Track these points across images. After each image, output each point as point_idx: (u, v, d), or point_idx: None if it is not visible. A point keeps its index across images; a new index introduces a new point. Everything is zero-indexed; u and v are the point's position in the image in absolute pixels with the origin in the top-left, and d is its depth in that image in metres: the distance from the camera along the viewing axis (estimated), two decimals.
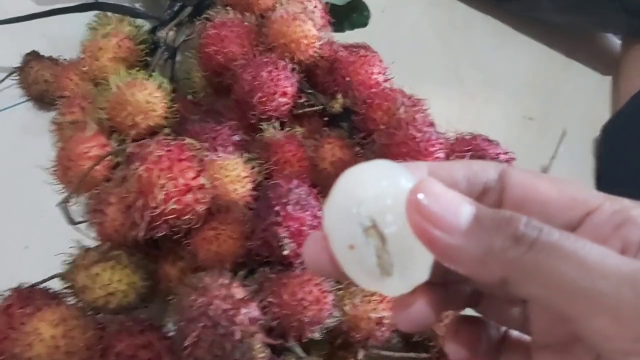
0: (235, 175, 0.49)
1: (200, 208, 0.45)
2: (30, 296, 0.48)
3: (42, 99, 0.68)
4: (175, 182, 0.43)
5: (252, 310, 0.40)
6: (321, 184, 0.54)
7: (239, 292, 0.41)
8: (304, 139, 0.56)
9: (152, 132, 0.53)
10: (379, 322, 0.46)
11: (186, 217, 0.44)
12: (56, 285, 0.50)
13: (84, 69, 0.59)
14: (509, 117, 0.70)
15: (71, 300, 0.49)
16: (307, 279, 0.44)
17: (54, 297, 0.49)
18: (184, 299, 0.41)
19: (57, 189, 0.53)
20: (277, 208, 0.44)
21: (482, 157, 0.52)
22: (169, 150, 0.43)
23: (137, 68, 0.56)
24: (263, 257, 0.45)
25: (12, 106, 0.70)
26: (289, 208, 0.44)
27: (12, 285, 0.48)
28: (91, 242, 0.51)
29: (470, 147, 0.52)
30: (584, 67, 0.75)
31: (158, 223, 0.43)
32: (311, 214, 0.44)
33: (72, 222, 0.50)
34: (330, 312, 0.44)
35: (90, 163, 0.50)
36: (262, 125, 0.55)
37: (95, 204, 0.49)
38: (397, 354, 0.50)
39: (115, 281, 0.47)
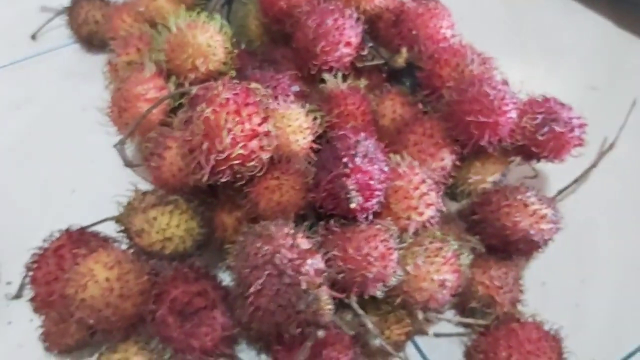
0: (297, 125, 0.47)
1: (265, 155, 0.43)
2: (81, 238, 0.48)
3: (91, 40, 0.66)
4: (242, 127, 0.41)
5: (317, 262, 0.39)
6: (384, 141, 0.52)
7: (304, 243, 0.40)
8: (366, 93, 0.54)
9: (211, 77, 0.52)
10: (442, 284, 0.44)
11: (251, 163, 0.43)
12: (106, 229, 0.49)
13: (141, 9, 0.57)
14: (572, 87, 0.68)
15: (123, 244, 0.48)
16: (373, 234, 0.42)
17: (106, 241, 0.49)
18: (247, 246, 0.40)
19: (106, 132, 0.52)
20: (345, 159, 0.42)
21: (554, 120, 0.49)
22: (236, 94, 0.42)
23: (197, 10, 0.53)
24: (327, 210, 0.44)
25: (60, 48, 0.68)
26: (357, 160, 0.42)
27: (60, 228, 0.48)
28: (144, 187, 0.50)
29: (543, 110, 0.50)
30: None
31: (222, 168, 0.42)
32: (379, 168, 0.43)
33: (129, 165, 0.48)
34: (395, 271, 0.43)
35: (147, 105, 0.49)
36: (324, 75, 0.53)
37: (153, 147, 0.48)
38: (455, 319, 0.49)
39: (173, 226, 0.46)
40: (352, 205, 0.41)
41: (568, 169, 0.55)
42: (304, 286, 0.38)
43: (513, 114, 0.47)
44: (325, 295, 0.38)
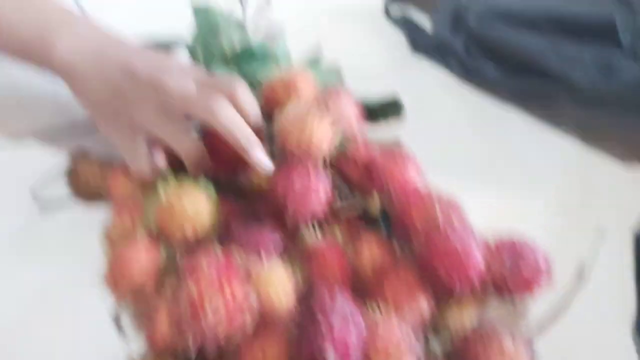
0: (280, 286, 0.50)
1: (249, 324, 0.46)
2: None
3: (89, 197, 0.70)
4: (224, 299, 0.44)
5: None
6: (361, 288, 0.55)
7: None
8: (343, 242, 0.58)
9: (200, 239, 0.55)
10: None
11: (235, 334, 0.45)
12: None
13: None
14: (547, 211, 0.71)
15: None
16: None
17: None
18: None
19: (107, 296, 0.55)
20: (322, 325, 0.44)
21: (521, 260, 0.52)
22: (219, 266, 0.45)
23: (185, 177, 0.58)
24: None
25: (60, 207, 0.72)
26: (335, 324, 0.45)
27: None
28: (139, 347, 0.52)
29: (510, 252, 0.53)
30: (617, 162, 0.75)
31: (205, 339, 0.44)
32: (357, 331, 0.45)
33: (124, 334, 0.51)
34: None
35: (140, 274, 0.52)
36: (302, 232, 0.57)
37: (145, 313, 0.51)
38: None
39: None
40: None
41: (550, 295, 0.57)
42: None
43: (481, 262, 0.50)
44: None
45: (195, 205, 0.55)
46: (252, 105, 0.58)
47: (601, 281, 0.62)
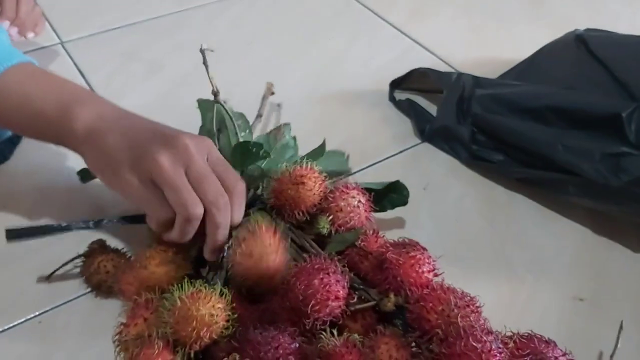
0: None
1: None
2: None
3: (100, 287, 0.70)
4: None
5: None
6: None
7: None
8: (360, 342, 0.57)
9: (214, 341, 0.55)
10: None
11: None
12: None
13: (138, 276, 0.62)
14: (559, 298, 0.70)
15: None
16: None
17: None
18: None
19: None
20: None
21: (541, 359, 0.52)
22: None
23: (199, 280, 0.58)
24: None
25: (75, 298, 0.71)
26: None
27: None
28: None
29: (529, 351, 0.53)
30: (628, 250, 0.76)
31: None
32: None
33: None
34: None
35: None
36: (320, 335, 0.56)
37: None
38: None
39: None
40: None
41: None
42: None
43: None
44: None
45: (211, 309, 0.55)
46: (241, 211, 0.63)
47: None
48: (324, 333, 0.56)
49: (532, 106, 0.85)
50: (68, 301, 0.70)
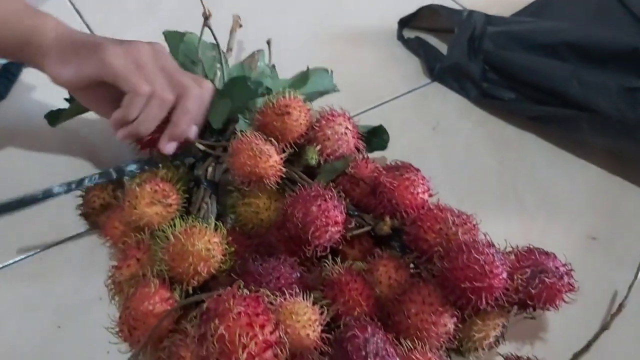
0: (306, 319, 0.48)
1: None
2: None
3: (95, 225, 0.69)
4: (256, 340, 0.42)
5: None
6: (380, 310, 0.54)
7: None
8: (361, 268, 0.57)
9: (213, 276, 0.54)
10: None
11: None
12: None
13: (126, 216, 0.60)
14: (572, 237, 0.70)
15: None
16: None
17: None
18: None
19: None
20: None
21: (542, 271, 0.53)
22: (247, 305, 0.44)
23: (192, 216, 0.56)
24: None
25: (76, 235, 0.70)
26: None
27: None
28: None
29: (530, 263, 0.53)
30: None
31: None
32: None
33: None
34: None
35: (156, 320, 0.50)
36: (323, 263, 0.56)
37: (167, 357, 0.49)
38: None
39: None
40: None
41: (584, 329, 0.58)
42: None
43: (504, 274, 0.50)
44: None
45: (207, 243, 0.53)
46: (189, 116, 0.63)
47: (635, 317, 0.62)
48: (327, 261, 0.56)
49: (547, 42, 0.82)
50: (69, 238, 0.69)
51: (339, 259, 0.57)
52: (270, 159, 0.60)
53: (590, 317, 0.60)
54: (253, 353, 0.42)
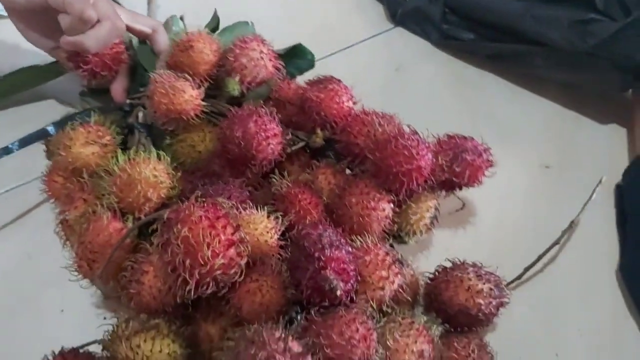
0: (263, 227, 0.52)
1: (243, 261, 0.47)
2: None
3: None
4: (219, 239, 0.45)
5: None
6: (330, 215, 0.59)
7: (295, 346, 0.43)
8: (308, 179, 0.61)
9: (163, 203, 0.56)
10: (420, 354, 0.49)
11: (232, 271, 0.46)
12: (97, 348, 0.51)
13: (63, 162, 0.60)
14: (526, 167, 0.74)
15: None
16: (352, 318, 0.46)
17: None
18: (241, 352, 0.42)
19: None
20: (317, 254, 0.47)
21: (463, 151, 0.59)
22: (207, 210, 0.46)
23: (133, 148, 0.58)
24: (314, 304, 0.48)
25: None
26: (327, 251, 0.47)
27: (50, 348, 0.50)
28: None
29: (451, 146, 0.59)
30: (594, 122, 0.80)
31: (206, 280, 0.45)
32: (346, 251, 0.48)
33: (108, 296, 0.52)
34: (376, 349, 0.47)
35: (111, 246, 0.52)
36: (271, 178, 0.60)
37: (130, 275, 0.51)
38: None
39: (156, 352, 0.48)
40: (338, 293, 0.46)
41: (535, 247, 0.63)
42: None
43: (429, 155, 0.56)
44: None
45: (153, 170, 0.55)
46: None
47: (585, 234, 0.67)
48: (274, 176, 0.59)
49: None
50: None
51: (286, 174, 0.60)
52: (185, 94, 0.61)
53: (543, 239, 0.64)
54: (217, 251, 0.45)
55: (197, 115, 0.61)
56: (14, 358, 0.54)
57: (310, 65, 0.77)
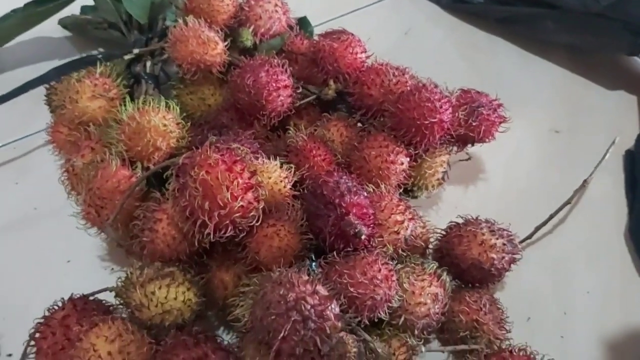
0: (277, 176, 0.51)
1: (260, 205, 0.46)
2: (86, 307, 0.48)
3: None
4: (237, 181, 0.44)
5: (335, 307, 0.41)
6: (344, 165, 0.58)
7: (323, 289, 0.42)
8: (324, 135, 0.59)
9: (172, 154, 0.54)
10: (435, 297, 0.49)
11: (250, 214, 0.45)
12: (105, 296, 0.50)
13: (69, 115, 0.58)
14: (536, 132, 0.74)
15: (124, 314, 0.49)
16: (374, 259, 0.46)
17: (108, 311, 0.50)
18: (268, 293, 0.42)
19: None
20: (337, 201, 0.46)
21: (479, 106, 0.58)
22: (223, 154, 0.45)
23: (142, 97, 0.56)
24: (338, 249, 0.47)
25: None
26: (347, 198, 0.46)
27: (57, 297, 0.49)
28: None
29: (467, 100, 0.58)
30: (603, 88, 0.79)
31: (225, 223, 0.44)
32: (364, 196, 0.48)
33: (120, 244, 0.51)
34: (397, 290, 0.47)
35: (122, 196, 0.50)
36: (288, 129, 0.59)
37: (143, 223, 0.50)
38: (447, 348, 0.53)
39: (171, 299, 0.47)
40: (363, 237, 0.46)
41: (545, 209, 0.62)
42: (327, 331, 0.40)
43: (450, 110, 0.55)
44: (350, 339, 0.42)
45: (162, 119, 0.53)
46: None
47: (594, 197, 0.67)
48: (290, 128, 0.58)
49: None
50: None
51: (302, 126, 0.59)
52: (218, 47, 0.60)
53: (552, 201, 0.64)
54: (236, 193, 0.44)
55: (220, 70, 0.60)
56: (20, 308, 0.53)
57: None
